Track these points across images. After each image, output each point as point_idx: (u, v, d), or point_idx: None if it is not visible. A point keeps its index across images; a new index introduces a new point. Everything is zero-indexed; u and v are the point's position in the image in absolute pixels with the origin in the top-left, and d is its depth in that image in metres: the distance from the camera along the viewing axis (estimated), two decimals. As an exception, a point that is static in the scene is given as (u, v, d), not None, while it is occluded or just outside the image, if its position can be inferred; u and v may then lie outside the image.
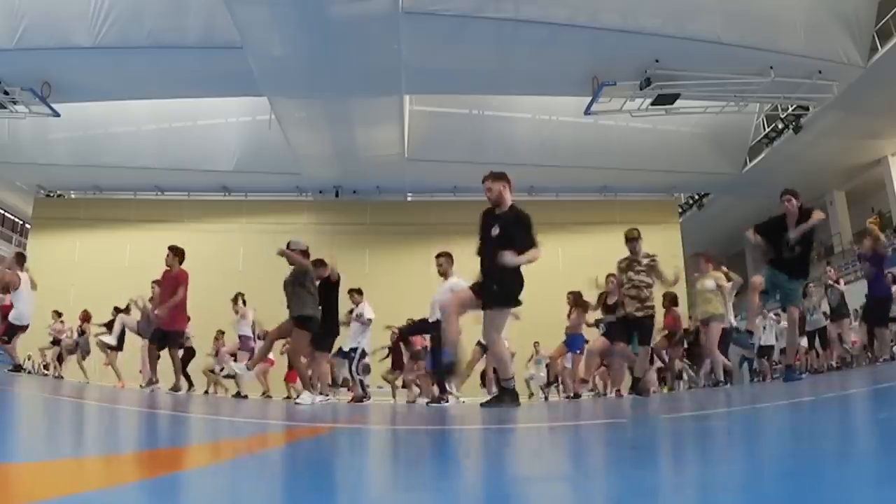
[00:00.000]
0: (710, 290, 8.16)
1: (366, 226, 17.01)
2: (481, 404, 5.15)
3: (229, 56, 10.92)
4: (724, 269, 8.91)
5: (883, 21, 11.95)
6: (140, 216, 17.13)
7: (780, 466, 1.31)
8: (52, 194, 18.05)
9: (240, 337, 10.14)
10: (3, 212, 25.23)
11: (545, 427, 3.20)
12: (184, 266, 8.01)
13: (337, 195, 17.26)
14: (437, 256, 7.44)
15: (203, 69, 11.70)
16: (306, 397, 6.41)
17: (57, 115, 12.61)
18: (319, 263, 7.38)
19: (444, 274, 7.41)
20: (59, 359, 12.19)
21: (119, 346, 11.51)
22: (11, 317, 8.96)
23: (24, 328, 9.14)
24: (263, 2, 9.80)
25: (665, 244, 16.33)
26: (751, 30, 10.77)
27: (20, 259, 9.29)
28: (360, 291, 9.07)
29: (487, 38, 10.82)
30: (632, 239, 7.07)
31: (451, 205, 17.27)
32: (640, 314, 6.85)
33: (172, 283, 7.80)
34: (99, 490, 1.11)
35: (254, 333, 10.31)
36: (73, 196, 18.29)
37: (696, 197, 18.88)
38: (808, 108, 13.91)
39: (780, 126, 14.98)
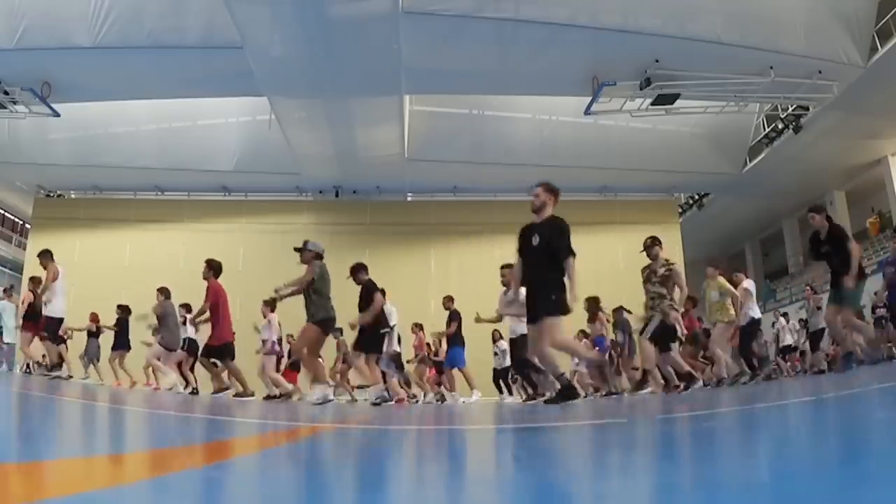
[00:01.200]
0: (714, 300, 8.26)
1: (366, 226, 17.00)
2: (545, 401, 5.32)
3: (229, 56, 10.90)
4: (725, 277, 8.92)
5: (883, 21, 11.94)
6: (140, 216, 17.11)
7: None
8: (52, 194, 18.04)
9: (263, 341, 10.15)
10: (3, 212, 25.24)
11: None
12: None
13: (337, 195, 17.24)
14: (502, 267, 7.51)
15: (203, 69, 11.69)
16: (318, 393, 6.52)
17: (57, 115, 12.60)
18: (360, 268, 7.43)
19: (508, 284, 7.56)
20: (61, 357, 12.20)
21: (127, 347, 11.54)
22: (48, 310, 9.03)
23: (60, 321, 9.29)
24: (263, 2, 9.80)
25: (665, 244, 16.19)
26: (751, 30, 10.76)
27: (50, 254, 9.30)
28: (383, 291, 9.07)
29: (487, 38, 10.81)
30: (646, 247, 7.29)
31: (451, 205, 17.27)
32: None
33: (207, 295, 7.95)
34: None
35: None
36: (73, 196, 18.27)
37: (696, 197, 18.85)
38: (808, 108, 13.89)
39: (780, 126, 14.97)
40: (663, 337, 7.25)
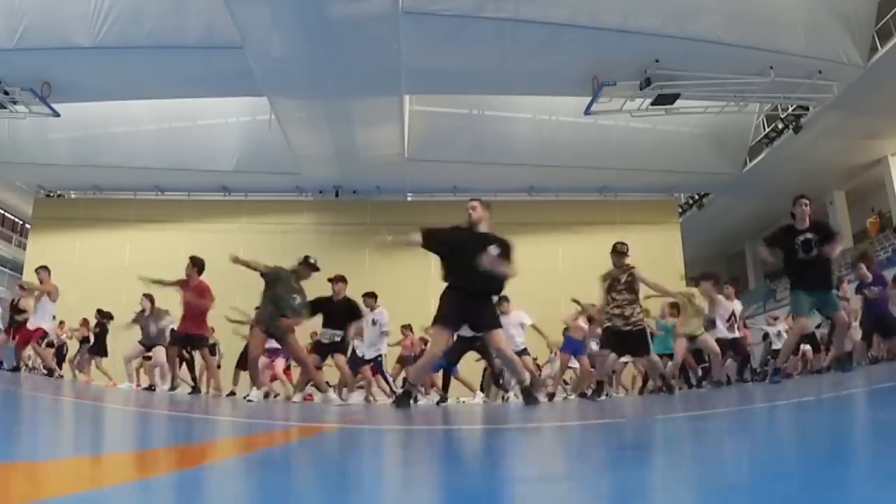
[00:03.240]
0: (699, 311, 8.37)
1: (366, 226, 16.98)
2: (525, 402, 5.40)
3: (229, 56, 10.90)
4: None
5: (883, 21, 11.94)
6: (140, 216, 17.11)
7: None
8: (52, 194, 18.03)
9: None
10: (3, 212, 25.25)
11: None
12: (184, 268, 8.25)
13: (337, 195, 17.24)
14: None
15: (203, 69, 11.69)
16: (256, 394, 6.82)
17: (57, 115, 12.59)
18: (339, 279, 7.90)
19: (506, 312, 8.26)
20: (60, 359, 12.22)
21: (104, 352, 11.60)
22: (32, 323, 9.34)
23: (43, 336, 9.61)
24: (263, 2, 9.79)
25: (665, 244, 16.37)
26: (751, 30, 10.76)
27: (48, 270, 9.72)
28: (374, 296, 9.09)
29: (487, 38, 10.81)
30: (620, 252, 6.90)
31: (451, 205, 17.22)
32: (626, 328, 6.79)
33: (197, 292, 8.08)
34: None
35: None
36: (73, 196, 18.27)
37: (696, 197, 18.87)
38: (808, 108, 13.89)
39: (780, 126, 14.97)
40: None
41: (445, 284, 5.07)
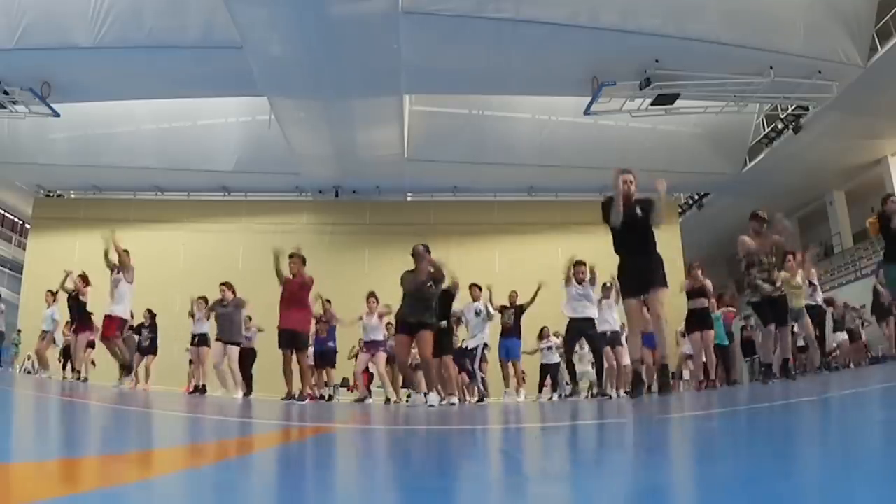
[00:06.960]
0: (796, 287, 8.42)
1: (366, 226, 17.00)
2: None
3: (229, 56, 10.91)
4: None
5: (883, 21, 11.94)
6: (140, 216, 17.10)
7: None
8: (52, 194, 18.05)
9: (367, 342, 9.50)
10: (3, 212, 25.24)
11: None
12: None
13: (337, 195, 17.25)
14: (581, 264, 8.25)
15: (203, 69, 11.69)
16: (433, 398, 6.42)
17: (57, 115, 12.61)
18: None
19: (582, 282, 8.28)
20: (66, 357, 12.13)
21: (154, 350, 11.32)
22: (118, 311, 8.43)
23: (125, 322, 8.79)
24: (263, 2, 9.80)
25: (665, 244, 16.18)
26: (750, 30, 10.77)
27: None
28: (479, 287, 9.26)
29: (487, 38, 10.81)
30: (760, 219, 7.30)
31: (451, 205, 17.27)
32: (776, 294, 7.21)
33: (304, 288, 7.39)
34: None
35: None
36: (73, 196, 18.29)
37: (696, 197, 18.85)
38: (807, 108, 13.89)
39: (780, 126, 14.97)
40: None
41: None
